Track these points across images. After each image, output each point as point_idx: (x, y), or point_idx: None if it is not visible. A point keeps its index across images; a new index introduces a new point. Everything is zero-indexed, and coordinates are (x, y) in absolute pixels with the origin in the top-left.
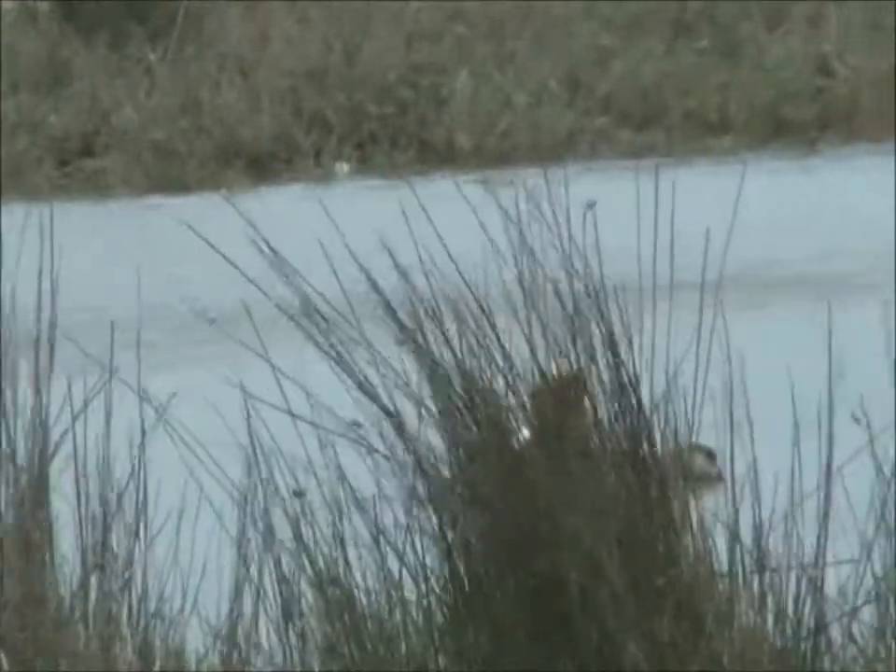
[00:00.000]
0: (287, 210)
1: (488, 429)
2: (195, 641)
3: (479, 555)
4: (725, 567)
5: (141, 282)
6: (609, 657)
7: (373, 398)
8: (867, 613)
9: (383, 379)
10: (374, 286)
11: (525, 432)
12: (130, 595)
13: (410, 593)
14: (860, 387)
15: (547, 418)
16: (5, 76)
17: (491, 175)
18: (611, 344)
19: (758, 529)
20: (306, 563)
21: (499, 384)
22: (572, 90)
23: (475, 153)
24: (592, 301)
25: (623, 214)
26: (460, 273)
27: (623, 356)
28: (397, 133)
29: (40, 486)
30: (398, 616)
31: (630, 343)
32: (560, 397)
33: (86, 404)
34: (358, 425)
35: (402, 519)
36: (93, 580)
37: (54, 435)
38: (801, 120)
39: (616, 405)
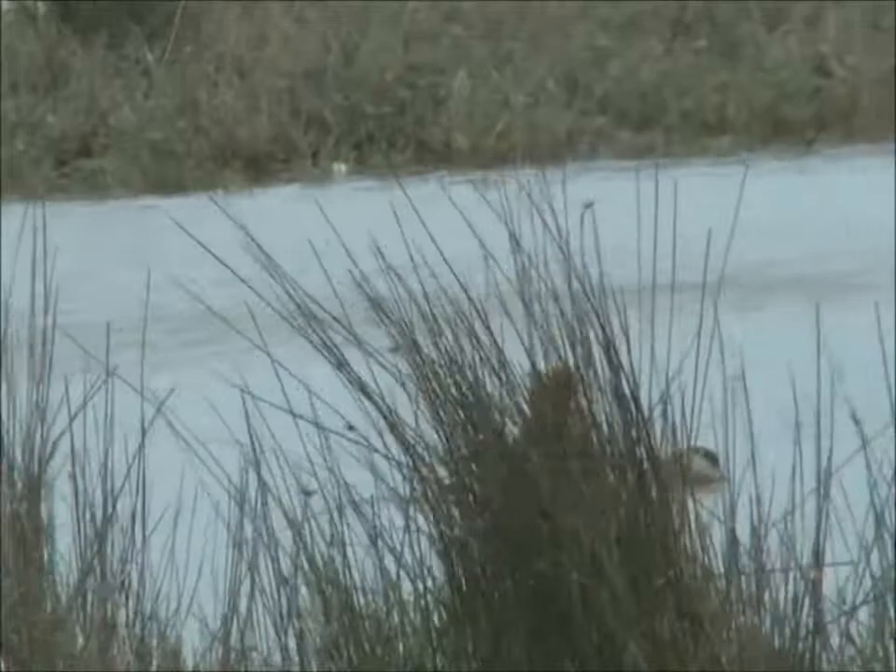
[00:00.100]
0: (284, 210)
1: (485, 429)
2: (192, 641)
3: (477, 556)
4: (724, 568)
5: (140, 282)
6: (609, 657)
7: (370, 398)
8: (865, 614)
9: (379, 380)
10: (365, 288)
11: (515, 431)
12: (127, 594)
13: (408, 593)
14: (858, 388)
15: (539, 416)
16: (3, 76)
17: (488, 176)
18: (610, 344)
19: (756, 530)
20: (304, 563)
21: (495, 384)
22: (570, 90)
23: (473, 153)
24: (590, 302)
25: (622, 214)
26: (454, 273)
27: (622, 356)
28: (394, 134)
29: (37, 486)
30: (396, 616)
31: (628, 343)
32: (551, 394)
33: (84, 404)
34: (352, 428)
35: (400, 519)
36: (90, 580)
37: (52, 435)
38: (799, 121)
39: (615, 406)
